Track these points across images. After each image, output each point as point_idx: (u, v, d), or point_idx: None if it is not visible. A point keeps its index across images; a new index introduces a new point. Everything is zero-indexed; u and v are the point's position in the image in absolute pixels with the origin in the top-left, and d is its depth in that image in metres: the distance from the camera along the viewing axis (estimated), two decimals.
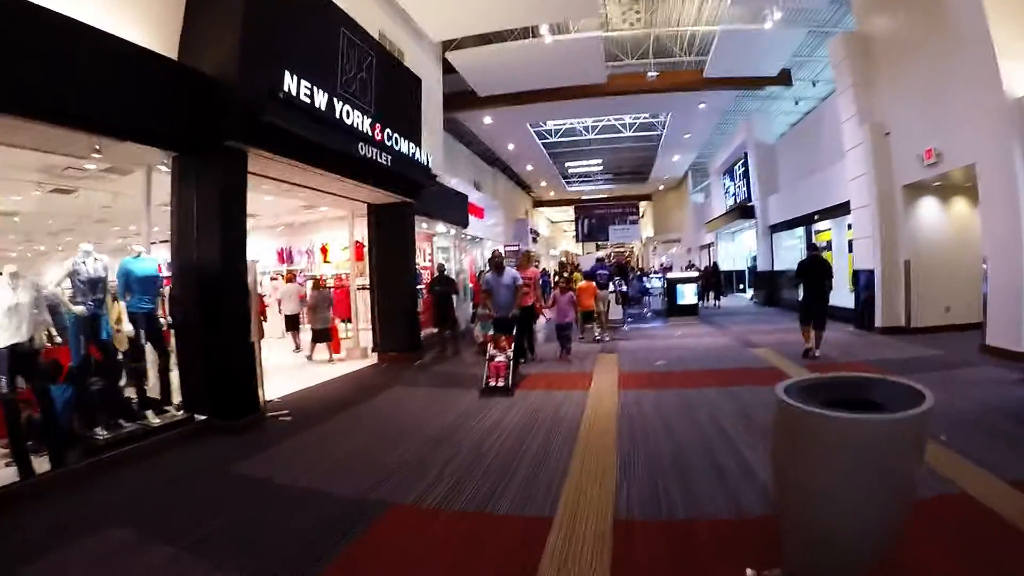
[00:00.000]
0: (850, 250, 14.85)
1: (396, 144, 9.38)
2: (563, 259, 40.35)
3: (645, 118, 24.41)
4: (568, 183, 36.45)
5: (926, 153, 10.76)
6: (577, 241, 39.34)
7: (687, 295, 16.23)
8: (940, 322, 11.69)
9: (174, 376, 6.62)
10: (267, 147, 6.78)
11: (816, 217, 16.47)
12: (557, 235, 53.25)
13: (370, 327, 11.53)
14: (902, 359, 9.15)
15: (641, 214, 41.00)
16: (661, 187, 38.47)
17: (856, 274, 13.23)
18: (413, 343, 11.25)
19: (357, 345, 11.57)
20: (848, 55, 12.81)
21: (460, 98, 18.49)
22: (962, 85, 9.65)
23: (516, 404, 7.17)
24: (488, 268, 9.40)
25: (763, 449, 4.78)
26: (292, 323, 12.96)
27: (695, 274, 18.63)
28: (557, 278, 14.85)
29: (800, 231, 18.46)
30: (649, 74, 16.99)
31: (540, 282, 13.82)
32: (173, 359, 6.59)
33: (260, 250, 17.07)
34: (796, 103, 21.79)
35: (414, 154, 10.13)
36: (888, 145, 12.12)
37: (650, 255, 42.53)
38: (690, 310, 16.15)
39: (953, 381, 7.20)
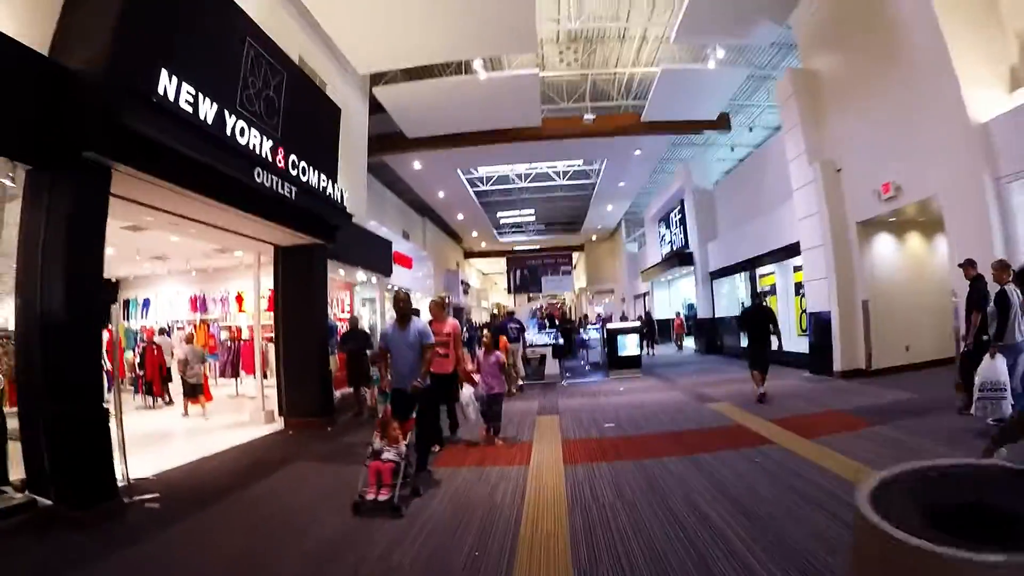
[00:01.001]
0: (797, 292, 14.43)
1: (303, 175, 8.05)
2: (495, 311, 39.28)
3: (579, 166, 24.00)
4: (500, 233, 35.66)
5: (883, 187, 10.35)
6: (509, 292, 38.29)
7: (629, 346, 15.22)
8: (900, 362, 11.26)
9: (15, 447, 5.10)
10: (135, 163, 5.34)
11: (761, 261, 16.00)
12: (489, 287, 52.28)
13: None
14: (878, 405, 8.45)
15: (574, 265, 40.57)
16: (594, 237, 38.23)
17: (810, 317, 12.59)
18: (324, 406, 9.62)
19: (262, 408, 9.82)
20: (795, 92, 12.52)
21: (388, 140, 17.40)
22: (921, 116, 9.33)
23: (439, 491, 5.66)
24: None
25: (768, 548, 3.75)
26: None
27: (636, 324, 17.71)
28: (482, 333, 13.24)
29: (740, 276, 18.07)
30: (586, 116, 16.40)
31: (465, 338, 12.51)
32: (12, 425, 5.10)
33: (170, 297, 15.62)
34: (732, 149, 21.81)
35: (326, 189, 8.80)
36: (840, 182, 11.72)
37: (583, 305, 42.01)
38: (633, 362, 15.11)
39: (963, 430, 6.37)
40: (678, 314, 24.45)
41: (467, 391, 7.60)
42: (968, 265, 7.28)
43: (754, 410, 8.80)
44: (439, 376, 6.92)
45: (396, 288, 19.90)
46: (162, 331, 13.68)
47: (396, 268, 18.71)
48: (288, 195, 7.59)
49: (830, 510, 4.37)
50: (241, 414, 10.31)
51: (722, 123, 17.85)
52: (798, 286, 14.51)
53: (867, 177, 10.85)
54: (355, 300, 13.96)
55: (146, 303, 16.14)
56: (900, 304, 11.33)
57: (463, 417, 7.80)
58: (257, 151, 6.90)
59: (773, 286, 16.08)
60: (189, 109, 5.70)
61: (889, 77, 10.13)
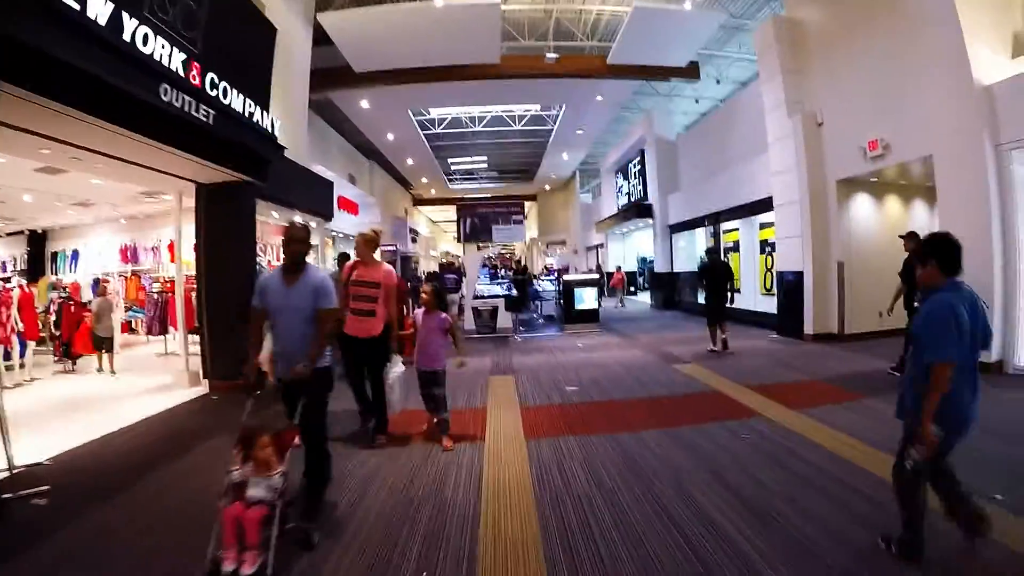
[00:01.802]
0: (763, 250, 13.90)
1: (225, 97, 6.75)
2: (444, 260, 38.19)
3: (536, 111, 22.79)
4: (451, 180, 34.34)
5: (870, 144, 9.73)
6: (459, 241, 37.08)
7: (586, 299, 14.50)
8: (873, 327, 10.74)
9: None
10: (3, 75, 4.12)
11: (726, 216, 15.36)
12: (438, 235, 50.93)
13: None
14: (858, 373, 8.06)
15: (526, 214, 39.55)
16: (548, 187, 37.23)
17: (779, 276, 12.03)
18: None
19: (186, 368, 8.62)
20: (776, 39, 11.64)
21: (334, 75, 15.84)
22: (917, 71, 8.71)
23: (373, 482, 4.61)
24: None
25: (791, 560, 3.11)
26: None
27: (595, 276, 16.91)
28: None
29: (702, 231, 17.47)
30: (548, 55, 15.22)
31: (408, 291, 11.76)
32: None
33: (100, 247, 14.34)
34: (697, 102, 21.05)
35: (253, 116, 7.50)
36: (821, 137, 11.03)
37: (535, 256, 41.25)
38: (590, 316, 14.43)
39: None
40: (618, 268, 23.77)
41: (395, 368, 5.51)
42: (907, 238, 7.61)
43: (727, 374, 8.24)
44: (362, 342, 5.39)
45: (346, 236, 18.74)
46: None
47: (341, 214, 17.54)
48: (204, 119, 6.30)
49: (840, 499, 3.89)
50: (165, 375, 9.10)
51: (691, 72, 16.94)
52: (763, 243, 13.99)
53: (852, 133, 10.20)
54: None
55: (74, 255, 14.99)
56: (875, 269, 10.75)
57: (398, 399, 5.64)
58: (166, 64, 5.62)
59: (736, 242, 15.53)
60: (76, 5, 4.43)
61: (884, 27, 9.45)
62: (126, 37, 5.09)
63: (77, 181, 8.95)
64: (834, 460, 4.63)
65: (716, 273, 10.47)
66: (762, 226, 14.04)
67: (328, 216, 13.21)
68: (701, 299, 11.52)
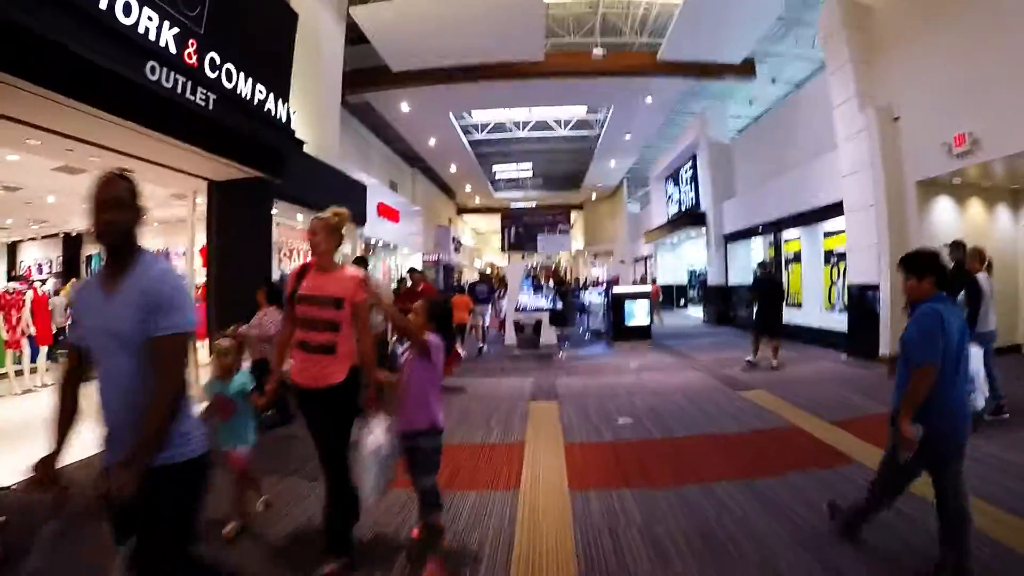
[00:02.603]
0: (827, 261, 12.67)
1: (229, 81, 6.09)
2: (487, 270, 37.51)
3: (582, 115, 21.92)
4: (496, 188, 33.68)
5: (956, 139, 8.46)
6: (503, 251, 36.51)
7: (638, 314, 13.42)
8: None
9: None
10: None
11: (787, 223, 14.13)
12: (483, 245, 50.35)
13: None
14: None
15: (572, 224, 38.64)
16: (594, 196, 36.25)
17: (851, 290, 10.80)
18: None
19: (197, 383, 7.94)
20: (844, 24, 10.48)
21: (371, 75, 15.38)
22: (1014, 57, 7.50)
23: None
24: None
25: None
26: None
27: (647, 288, 15.82)
28: (401, 288, 11.43)
29: (760, 240, 16.25)
30: (595, 51, 14.30)
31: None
32: None
33: None
34: (751, 103, 19.79)
35: (265, 104, 6.83)
36: (897, 133, 9.82)
37: (580, 267, 40.22)
38: (642, 332, 13.35)
39: None
40: (654, 281, 22.58)
41: (372, 435, 3.24)
42: (954, 248, 6.73)
43: (800, 403, 7.05)
44: (315, 396, 3.26)
45: (386, 244, 18.16)
46: None
47: (380, 221, 17.07)
48: (202, 104, 5.63)
49: None
50: None
51: (747, 69, 15.83)
52: (828, 253, 12.74)
53: (933, 128, 8.97)
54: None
55: None
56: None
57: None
58: (152, 38, 4.96)
59: (798, 253, 14.27)
60: None
61: (972, 9, 8.27)
62: (101, 2, 4.43)
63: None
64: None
65: (768, 289, 10.24)
66: (827, 234, 12.80)
67: (359, 221, 12.54)
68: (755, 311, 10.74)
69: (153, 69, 5.03)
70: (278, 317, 6.42)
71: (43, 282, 13.76)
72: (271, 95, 6.84)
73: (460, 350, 12.57)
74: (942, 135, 8.74)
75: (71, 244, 15.07)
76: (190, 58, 5.45)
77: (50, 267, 15.54)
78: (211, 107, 5.75)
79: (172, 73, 5.23)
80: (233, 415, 3.86)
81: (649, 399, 7.68)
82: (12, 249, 16.03)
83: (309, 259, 3.49)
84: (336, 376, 3.24)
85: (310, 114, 10.42)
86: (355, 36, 13.94)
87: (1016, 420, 6.05)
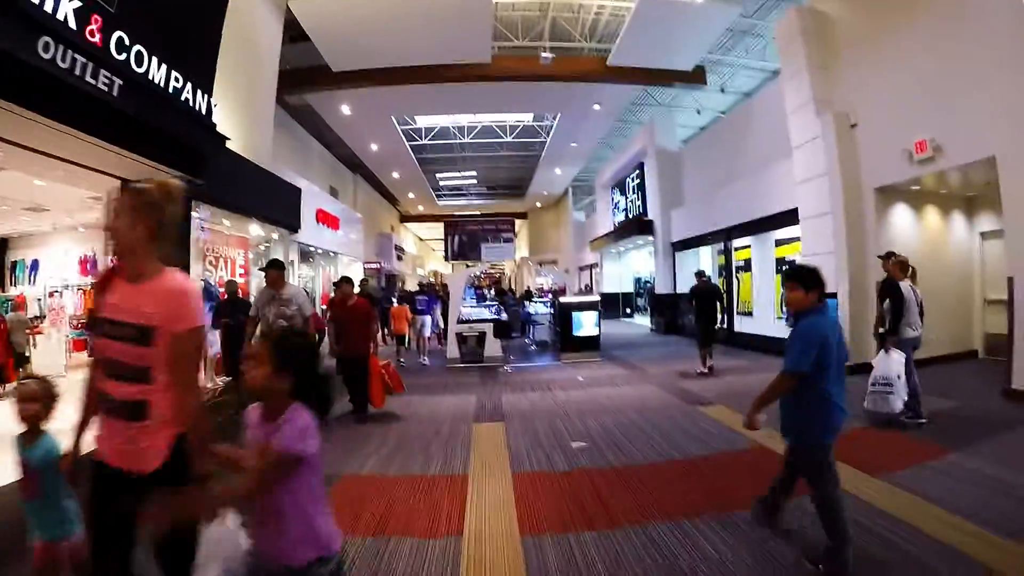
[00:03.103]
0: (778, 270, 12.57)
1: (139, 65, 5.31)
2: (429, 279, 36.71)
3: (529, 122, 21.50)
4: (439, 196, 33.02)
5: (917, 146, 8.40)
6: (447, 259, 35.85)
7: (586, 324, 12.84)
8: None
9: None
10: None
11: (738, 231, 13.99)
12: (426, 254, 49.49)
13: None
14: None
15: (516, 232, 38.25)
16: (539, 204, 35.95)
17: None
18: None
19: None
20: (801, 30, 10.38)
21: (311, 74, 14.53)
22: (977, 63, 7.45)
23: None
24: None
25: None
26: None
27: (594, 298, 15.34)
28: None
29: (710, 249, 16.16)
30: (543, 55, 13.89)
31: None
32: None
33: (59, 257, 12.96)
34: (698, 113, 19.74)
35: (179, 92, 6.04)
36: (855, 139, 9.73)
37: (525, 275, 39.82)
38: (590, 343, 12.76)
39: None
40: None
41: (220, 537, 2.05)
42: (885, 259, 6.84)
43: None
44: (128, 481, 2.04)
45: (326, 251, 17.23)
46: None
47: (319, 228, 16.24)
48: (105, 89, 4.84)
49: None
50: None
51: (697, 77, 15.70)
52: (780, 261, 12.65)
53: (893, 134, 8.90)
54: (251, 261, 11.15)
55: (34, 265, 13.66)
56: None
57: None
58: (48, 11, 4.19)
59: (747, 261, 14.18)
60: None
61: (933, 15, 8.23)
62: None
63: (18, 181, 7.51)
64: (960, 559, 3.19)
65: (706, 296, 10.37)
66: (778, 243, 12.73)
67: (294, 227, 11.74)
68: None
69: (47, 46, 4.24)
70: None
71: None
72: (189, 84, 6.04)
73: (400, 361, 12.50)
74: (902, 141, 8.67)
75: None
76: (92, 36, 4.66)
77: None
78: (115, 93, 4.94)
79: (69, 52, 4.44)
80: (39, 494, 2.67)
81: (603, 418, 7.13)
82: None
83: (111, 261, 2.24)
84: (151, 456, 2.05)
85: (241, 111, 9.62)
86: (296, 34, 13.17)
87: (977, 427, 6.01)
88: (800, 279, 3.40)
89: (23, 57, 4.12)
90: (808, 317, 3.34)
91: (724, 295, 15.06)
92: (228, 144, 8.71)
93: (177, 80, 5.83)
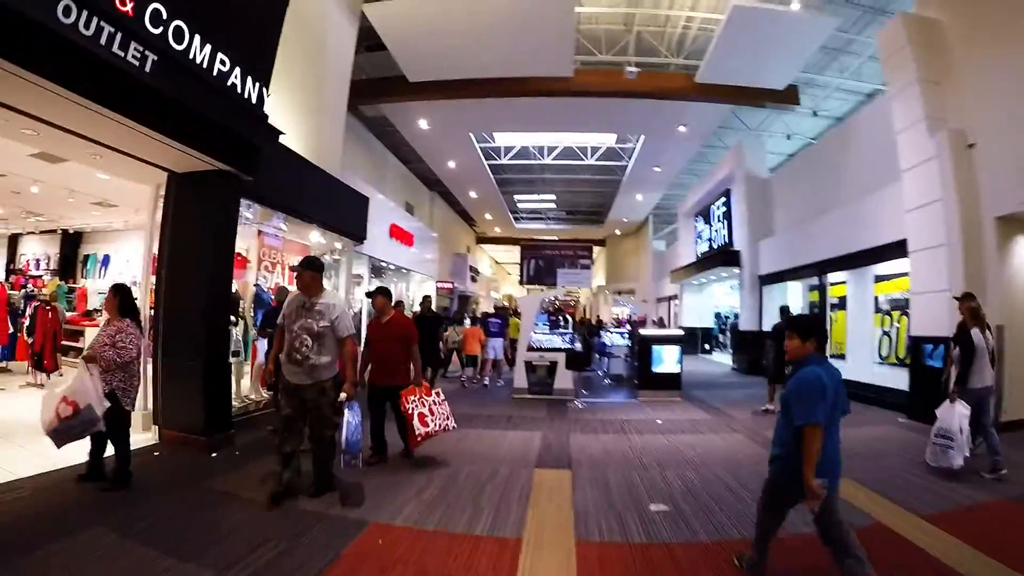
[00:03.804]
0: (877, 309, 11.29)
1: (179, 42, 4.95)
2: (503, 302, 36.25)
3: (610, 144, 20.81)
4: (517, 219, 32.70)
5: None
6: (521, 283, 35.36)
7: (667, 360, 11.65)
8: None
9: None
10: None
11: (836, 265, 12.70)
12: (502, 277, 49.29)
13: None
14: None
15: (593, 259, 37.39)
16: (618, 231, 35.05)
17: (915, 343, 9.36)
18: (212, 417, 6.30)
19: (145, 406, 6.59)
20: (909, 40, 9.29)
21: (388, 85, 14.43)
22: None
23: None
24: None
25: None
26: None
27: (678, 331, 14.16)
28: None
29: (802, 283, 14.89)
30: (628, 69, 13.25)
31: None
32: None
33: (129, 254, 12.96)
34: (788, 138, 18.69)
35: (227, 77, 5.63)
36: (972, 161, 8.53)
37: (601, 304, 38.81)
38: (671, 382, 11.50)
39: None
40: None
41: None
42: (961, 300, 6.55)
43: (878, 486, 5.50)
44: None
45: (399, 268, 17.04)
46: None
47: (393, 243, 16.12)
48: (135, 63, 4.48)
49: None
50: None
51: (790, 96, 14.61)
52: (879, 299, 11.36)
53: (1017, 154, 7.73)
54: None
55: (105, 260, 13.88)
56: None
57: None
58: None
59: (843, 299, 12.86)
60: None
61: None
62: None
63: (81, 174, 7.52)
64: None
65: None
66: (878, 278, 11.44)
67: (358, 237, 11.43)
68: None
69: (68, 10, 3.92)
70: (137, 335, 5.01)
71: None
72: (238, 69, 5.68)
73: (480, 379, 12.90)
74: None
75: (68, 241, 14.26)
76: (123, 4, 4.34)
77: (48, 263, 14.75)
78: (147, 69, 4.59)
79: (95, 19, 4.11)
80: None
81: (686, 473, 6.08)
82: (13, 242, 15.33)
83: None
84: None
85: (309, 115, 9.45)
86: (373, 43, 13.11)
87: None
88: (797, 328, 3.49)
89: (42, 20, 3.80)
90: (808, 366, 3.36)
91: None
92: (294, 147, 8.48)
93: (223, 63, 5.48)
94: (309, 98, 9.29)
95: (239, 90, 5.73)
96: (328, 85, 10.11)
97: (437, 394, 6.16)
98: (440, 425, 5.93)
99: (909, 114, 9.41)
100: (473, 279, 31.19)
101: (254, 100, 5.96)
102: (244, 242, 8.32)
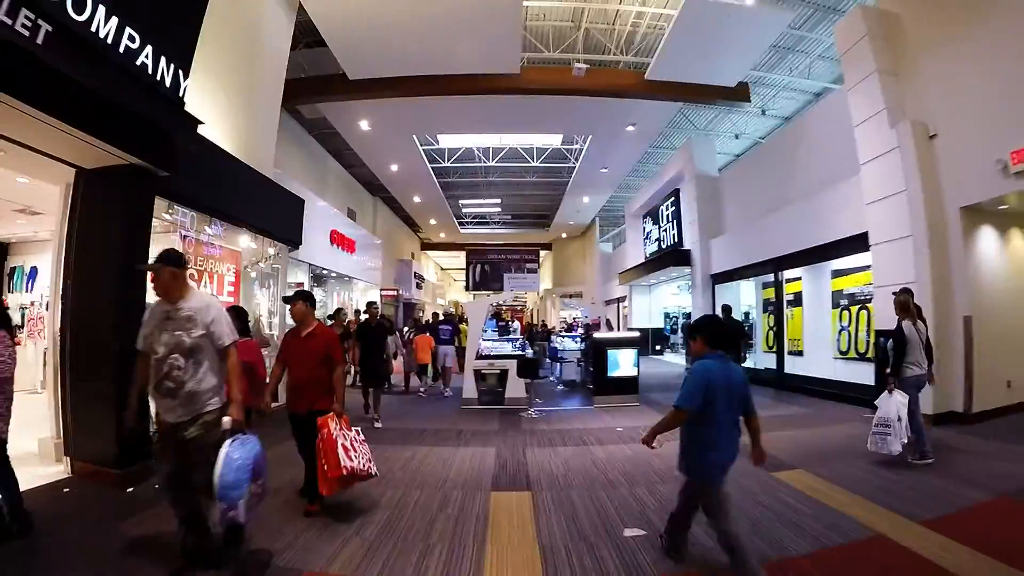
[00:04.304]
0: (835, 304, 11.21)
1: (79, 12, 4.20)
2: (451, 309, 35.56)
3: (556, 146, 20.43)
4: (462, 224, 32.05)
5: (1013, 156, 7.11)
6: (467, 289, 34.58)
7: (623, 365, 11.20)
8: (1001, 402, 8.24)
9: None
10: None
11: (790, 261, 12.59)
12: (448, 283, 48.48)
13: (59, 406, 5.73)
14: None
15: (540, 263, 37.02)
16: (564, 235, 34.80)
17: (878, 338, 9.21)
18: (126, 448, 5.41)
19: (55, 434, 5.73)
20: (869, 33, 9.18)
21: (327, 82, 13.61)
22: None
23: None
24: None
25: None
26: None
27: (634, 334, 13.62)
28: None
29: (750, 282, 14.81)
30: (576, 66, 12.84)
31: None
32: None
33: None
34: (736, 137, 18.72)
35: (135, 56, 4.87)
36: (934, 152, 8.43)
37: (548, 308, 38.49)
38: (628, 386, 11.03)
39: None
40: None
41: None
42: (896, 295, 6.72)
43: (862, 490, 5.21)
44: None
45: (341, 276, 16.16)
46: None
47: (334, 250, 15.34)
48: (24, 33, 3.71)
49: None
50: (42, 435, 6.25)
51: (741, 94, 14.46)
52: (837, 294, 11.26)
53: (981, 144, 7.66)
54: (243, 278, 9.86)
55: (32, 272, 12.76)
56: (1008, 325, 8.28)
57: None
58: None
59: (798, 294, 12.76)
60: None
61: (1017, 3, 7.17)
62: None
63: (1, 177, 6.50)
64: None
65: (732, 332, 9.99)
66: (836, 273, 11.34)
67: (294, 242, 10.62)
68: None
69: None
70: (13, 349, 4.24)
71: None
72: (149, 48, 4.90)
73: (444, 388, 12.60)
74: (993, 152, 7.40)
75: None
76: None
77: None
78: (40, 41, 3.82)
79: None
80: None
81: (657, 487, 5.52)
82: None
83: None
84: None
85: (240, 109, 8.62)
86: (312, 40, 12.35)
87: None
88: (694, 329, 3.76)
89: None
90: (701, 361, 3.57)
91: (751, 331, 15.01)
92: (223, 145, 7.68)
93: (132, 39, 4.70)
94: (240, 92, 8.48)
95: (150, 71, 4.94)
96: (261, 79, 9.30)
97: (357, 432, 4.96)
98: (365, 465, 4.75)
99: (868, 106, 9.30)
100: (419, 286, 30.39)
101: (168, 83, 5.17)
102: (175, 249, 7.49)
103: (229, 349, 3.75)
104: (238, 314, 5.43)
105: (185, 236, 7.29)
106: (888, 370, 6.37)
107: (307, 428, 4.72)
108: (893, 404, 6.02)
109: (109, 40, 4.44)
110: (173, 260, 3.71)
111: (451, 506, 5.08)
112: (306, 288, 10.82)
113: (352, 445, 4.71)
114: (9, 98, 3.99)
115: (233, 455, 3.42)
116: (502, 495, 5.42)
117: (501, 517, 4.80)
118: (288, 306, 5.10)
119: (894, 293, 6.71)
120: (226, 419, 3.58)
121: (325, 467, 4.50)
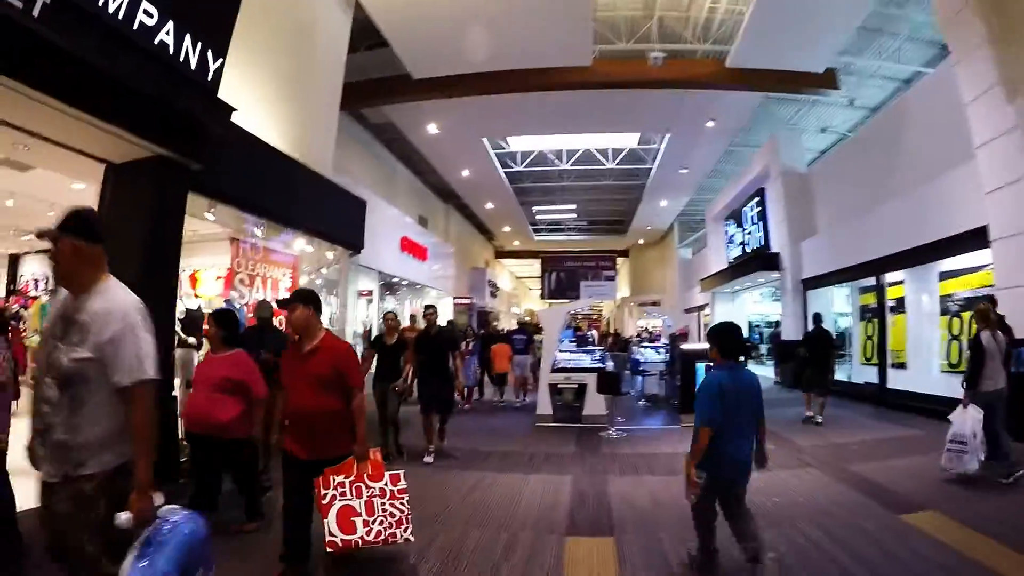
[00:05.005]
0: (943, 311, 9.94)
1: None
2: (526, 318, 35.05)
3: (632, 147, 19.66)
4: (536, 231, 31.64)
5: None
6: (543, 298, 34.08)
7: None
8: None
9: None
10: None
11: (895, 263, 11.28)
12: (522, 292, 48.14)
13: None
14: None
15: (616, 270, 36.10)
16: (641, 241, 33.84)
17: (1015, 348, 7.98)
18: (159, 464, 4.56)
19: None
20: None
21: (390, 85, 13.42)
22: None
23: None
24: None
25: None
26: None
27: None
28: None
29: (850, 285, 13.52)
30: (652, 56, 12.12)
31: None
32: None
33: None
34: (823, 131, 17.35)
35: (154, 33, 4.44)
36: None
37: (624, 317, 37.40)
38: None
39: None
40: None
41: None
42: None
43: (1009, 540, 4.05)
44: None
45: (412, 284, 15.93)
46: None
47: (404, 257, 15.13)
48: (18, 4, 3.34)
49: None
50: None
51: (828, 80, 13.35)
52: (945, 299, 9.98)
53: None
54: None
55: None
56: None
57: None
58: None
59: (900, 300, 11.47)
60: None
61: None
62: None
63: (54, 181, 6.37)
64: None
65: (818, 344, 9.85)
66: (943, 275, 10.08)
67: (355, 247, 10.31)
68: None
69: None
70: (8, 354, 3.83)
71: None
72: (171, 24, 4.51)
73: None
74: None
75: None
76: None
77: (46, 283, 13.97)
78: (35, 14, 3.46)
79: None
80: None
81: (764, 533, 3.89)
82: (14, 262, 14.61)
83: None
84: None
85: (295, 111, 8.40)
86: (374, 42, 12.14)
87: None
88: (709, 336, 3.79)
89: None
90: (707, 376, 3.70)
91: (842, 341, 13.56)
92: (276, 144, 7.42)
93: (149, 15, 4.33)
94: (294, 88, 8.27)
95: (174, 52, 4.58)
96: (317, 76, 9.10)
97: (395, 479, 3.65)
98: (384, 532, 3.50)
99: (979, 81, 8.10)
100: (492, 294, 30.18)
101: (193, 65, 4.81)
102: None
103: (133, 389, 2.25)
104: (224, 319, 4.66)
105: (233, 240, 7.07)
106: (963, 383, 5.99)
107: (305, 478, 3.47)
108: (968, 420, 5.67)
109: (120, 15, 4.07)
110: (80, 227, 2.32)
111: (517, 554, 4.14)
112: (379, 296, 10.45)
113: (369, 505, 3.50)
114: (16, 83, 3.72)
115: (142, 567, 2.10)
116: (580, 541, 4.41)
117: (578, 570, 3.89)
118: (286, 313, 3.67)
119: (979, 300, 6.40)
120: (122, 515, 2.16)
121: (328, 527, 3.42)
